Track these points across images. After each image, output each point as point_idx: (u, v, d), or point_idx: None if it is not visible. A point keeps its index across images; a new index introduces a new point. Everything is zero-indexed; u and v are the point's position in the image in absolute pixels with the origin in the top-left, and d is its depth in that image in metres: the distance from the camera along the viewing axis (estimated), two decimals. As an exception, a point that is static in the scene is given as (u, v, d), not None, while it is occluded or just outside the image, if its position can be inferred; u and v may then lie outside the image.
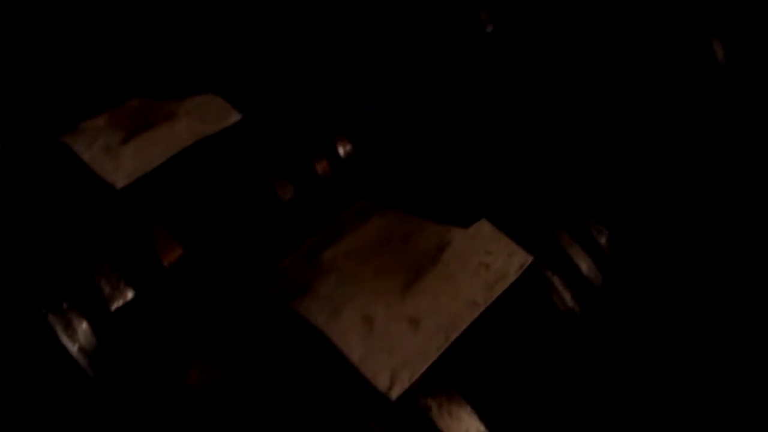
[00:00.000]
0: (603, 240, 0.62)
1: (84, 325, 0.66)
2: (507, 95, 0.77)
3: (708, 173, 0.69)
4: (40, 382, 0.69)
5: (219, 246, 0.73)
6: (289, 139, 0.86)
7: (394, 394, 0.44)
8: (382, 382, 0.45)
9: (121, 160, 0.71)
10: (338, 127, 0.90)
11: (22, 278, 0.68)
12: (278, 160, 0.83)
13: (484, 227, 0.55)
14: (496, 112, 0.72)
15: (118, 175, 0.70)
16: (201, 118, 0.77)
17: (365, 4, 0.86)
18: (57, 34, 0.86)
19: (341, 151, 0.91)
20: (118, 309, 0.67)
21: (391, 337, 0.47)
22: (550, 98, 0.71)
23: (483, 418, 0.46)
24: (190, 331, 0.58)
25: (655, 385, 0.59)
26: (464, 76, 0.76)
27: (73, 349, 0.64)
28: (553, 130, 0.68)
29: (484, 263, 0.52)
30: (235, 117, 0.79)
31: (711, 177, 0.68)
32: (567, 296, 0.55)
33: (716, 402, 0.58)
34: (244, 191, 0.78)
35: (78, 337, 0.65)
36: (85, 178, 0.72)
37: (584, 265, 0.58)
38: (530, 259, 0.54)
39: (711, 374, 0.59)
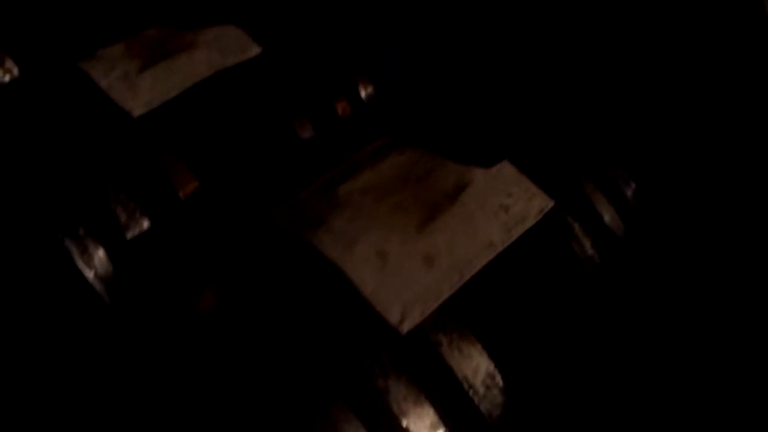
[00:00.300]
0: (629, 192, 0.60)
1: (100, 253, 0.66)
2: (534, 35, 0.74)
3: (748, 137, 0.66)
4: (55, 307, 0.70)
5: (235, 181, 0.72)
6: (311, 77, 0.84)
7: (405, 328, 0.44)
8: (393, 316, 0.44)
9: (139, 89, 0.70)
10: (361, 69, 0.88)
11: (39, 204, 0.68)
12: (298, 98, 0.81)
13: (506, 169, 0.53)
14: (523, 53, 0.69)
15: (136, 104, 0.69)
16: (220, 50, 0.75)
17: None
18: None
19: (363, 93, 0.89)
20: (134, 238, 0.67)
21: (404, 272, 0.46)
22: (585, 39, 0.68)
23: (493, 357, 0.45)
24: (204, 259, 0.58)
25: (669, 343, 0.58)
26: (490, 14, 0.73)
27: (89, 275, 0.65)
28: (587, 74, 0.65)
29: (504, 205, 0.51)
30: (255, 50, 0.77)
31: (751, 141, 0.66)
32: (587, 244, 0.54)
33: (732, 362, 0.57)
34: (263, 127, 0.77)
35: (94, 263, 0.66)
36: (103, 106, 0.71)
37: (607, 215, 0.56)
38: (551, 203, 0.52)
39: (730, 339, 0.58)
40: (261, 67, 0.79)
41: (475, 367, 0.45)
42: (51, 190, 0.69)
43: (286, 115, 0.80)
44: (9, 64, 0.85)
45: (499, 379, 0.45)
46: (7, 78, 0.84)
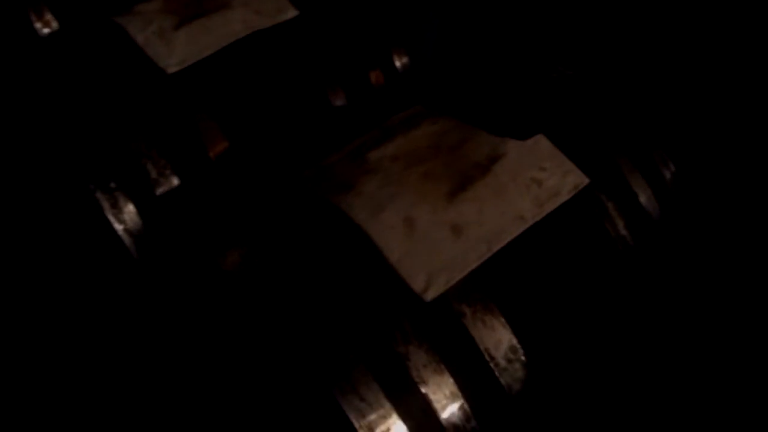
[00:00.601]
0: (668, 174, 0.58)
1: (130, 207, 0.67)
2: (573, 11, 0.72)
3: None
4: (84, 256, 0.71)
5: (265, 144, 0.72)
6: (346, 45, 0.83)
7: (429, 296, 0.43)
8: (417, 284, 0.44)
9: (174, 46, 0.70)
10: (397, 39, 0.86)
11: (73, 155, 0.69)
12: (332, 65, 0.80)
13: (541, 143, 0.52)
14: (565, 29, 0.66)
15: (170, 61, 0.69)
16: (256, 11, 0.74)
17: None
18: None
19: (398, 63, 0.87)
20: (163, 194, 0.68)
21: (431, 240, 0.46)
22: (632, 22, 0.65)
23: (516, 332, 0.44)
24: (232, 219, 0.58)
25: (693, 330, 0.56)
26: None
27: (118, 228, 0.66)
28: (632, 55, 0.63)
29: (537, 179, 0.50)
30: (291, 13, 0.76)
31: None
32: (620, 224, 0.52)
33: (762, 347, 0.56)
34: (295, 92, 0.77)
35: (124, 217, 0.66)
36: (138, 61, 0.71)
37: (643, 196, 0.55)
38: (586, 180, 0.51)
39: (761, 330, 0.57)
40: (297, 31, 0.78)
41: (498, 339, 0.44)
42: (85, 142, 0.70)
43: (319, 81, 0.79)
44: (48, 17, 0.85)
45: (521, 354, 0.44)
46: (46, 30, 0.85)
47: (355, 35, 0.84)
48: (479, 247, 0.46)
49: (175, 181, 0.68)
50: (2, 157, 0.81)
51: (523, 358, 0.44)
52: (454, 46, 0.75)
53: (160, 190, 0.68)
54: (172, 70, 0.69)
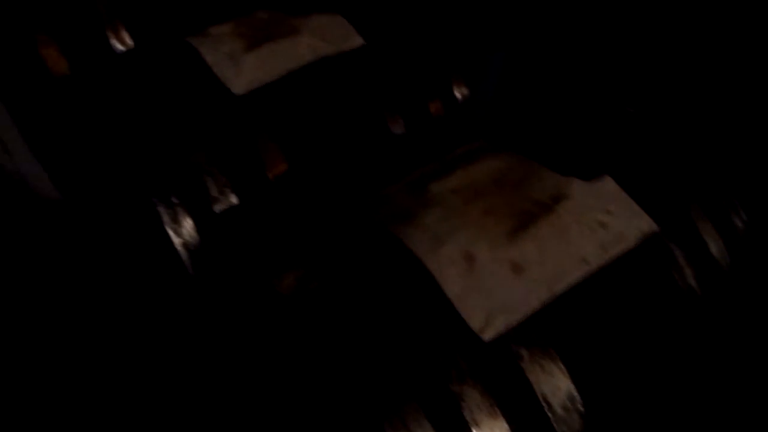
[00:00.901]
0: (740, 223, 0.55)
1: (189, 222, 0.68)
2: (645, 53, 0.70)
3: None
4: (141, 268, 0.73)
5: (324, 167, 0.73)
6: (407, 74, 0.83)
7: (488, 335, 0.42)
8: (476, 322, 0.43)
9: (243, 68, 0.72)
10: (458, 70, 0.87)
11: (139, 166, 0.71)
12: (393, 93, 0.81)
13: (607, 184, 0.51)
14: (636, 68, 0.65)
15: (238, 82, 0.71)
16: (323, 38, 0.76)
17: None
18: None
19: (458, 94, 0.87)
20: (222, 212, 0.69)
21: (491, 278, 0.45)
22: (705, 62, 0.63)
23: (576, 380, 0.43)
24: (289, 241, 0.58)
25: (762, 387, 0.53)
26: (603, 27, 0.69)
27: (177, 242, 0.67)
28: (704, 97, 0.61)
29: (602, 222, 0.48)
30: (357, 41, 0.77)
31: None
32: (689, 274, 0.50)
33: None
34: (356, 118, 0.77)
35: (182, 232, 0.68)
36: (207, 81, 0.74)
37: (714, 245, 0.52)
38: (654, 227, 0.49)
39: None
40: (360, 57, 0.79)
41: (556, 386, 0.42)
42: (151, 155, 0.72)
43: (379, 108, 0.79)
44: (124, 34, 0.90)
45: (579, 404, 0.43)
46: (122, 48, 0.89)
47: (417, 64, 0.85)
48: (540, 289, 0.44)
49: (234, 200, 0.70)
50: (75, 162, 0.84)
51: (581, 408, 0.43)
52: (517, 81, 0.75)
53: (218, 208, 0.69)
54: (239, 91, 0.71)
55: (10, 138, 1.13)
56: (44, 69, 0.88)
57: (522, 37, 0.77)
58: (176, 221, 0.68)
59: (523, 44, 0.76)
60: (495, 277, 0.45)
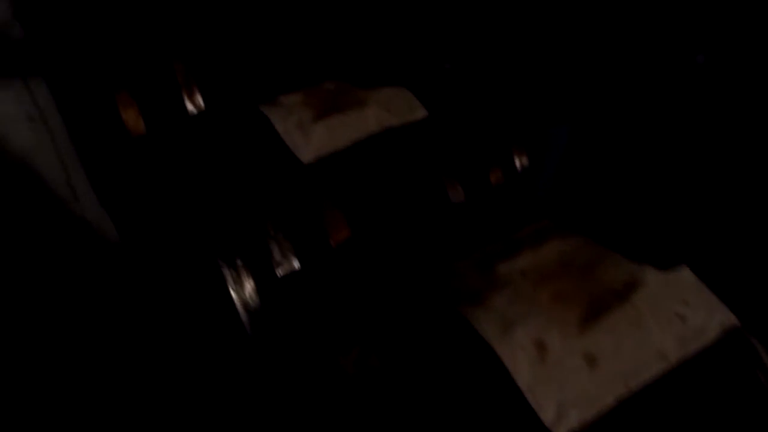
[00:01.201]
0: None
1: (251, 284, 0.70)
2: (720, 132, 0.69)
3: None
4: (202, 326, 0.74)
5: (386, 235, 0.74)
6: (469, 142, 0.85)
7: (559, 430, 0.41)
8: (547, 414, 0.41)
9: (311, 137, 0.75)
10: (518, 140, 0.88)
11: (207, 227, 0.74)
12: (454, 162, 0.82)
13: (684, 274, 0.49)
14: (709, 151, 0.64)
15: (307, 150, 0.74)
16: (389, 109, 0.78)
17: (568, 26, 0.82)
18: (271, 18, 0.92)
19: (518, 163, 0.88)
20: (284, 276, 0.70)
21: (563, 369, 0.43)
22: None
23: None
24: (350, 311, 0.58)
25: None
26: (675, 106, 0.69)
27: (238, 303, 0.69)
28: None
29: (680, 314, 0.47)
30: (421, 113, 0.79)
31: None
32: (771, 372, 0.47)
33: None
34: (417, 186, 0.79)
35: (244, 294, 0.69)
36: (275, 148, 0.77)
37: (796, 341, 0.50)
38: (735, 321, 0.47)
39: None
40: (424, 127, 0.81)
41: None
42: (219, 216, 0.74)
43: (439, 176, 0.80)
44: (198, 98, 0.94)
45: None
46: (194, 110, 0.93)
47: (477, 134, 0.86)
48: (616, 383, 0.43)
49: (296, 265, 0.71)
50: (142, 214, 0.88)
51: None
52: (584, 159, 0.75)
53: (281, 271, 0.71)
54: (307, 159, 0.73)
55: (80, 185, 1.19)
56: (122, 128, 0.93)
57: (589, 113, 0.78)
58: (239, 283, 0.70)
59: (589, 120, 0.77)
60: (568, 368, 0.44)
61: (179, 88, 0.94)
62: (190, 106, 0.94)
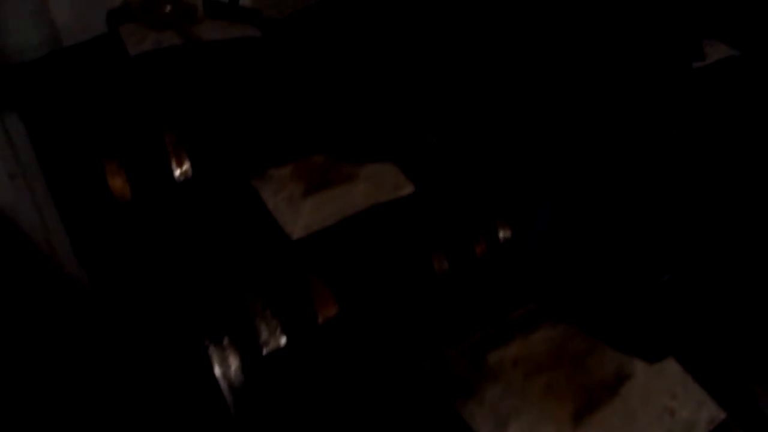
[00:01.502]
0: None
1: (237, 363, 0.69)
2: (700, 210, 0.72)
3: None
4: (186, 405, 0.72)
5: (373, 310, 0.74)
6: (454, 215, 0.86)
7: None
8: None
9: (300, 213, 0.75)
10: (502, 211, 0.89)
11: (193, 305, 0.73)
12: (440, 235, 0.83)
13: (671, 367, 0.50)
14: (691, 231, 0.66)
15: (296, 227, 0.74)
16: (377, 185, 0.80)
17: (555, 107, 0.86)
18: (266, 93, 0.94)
19: (501, 234, 0.89)
20: (270, 353, 0.69)
21: (557, 468, 0.43)
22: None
23: None
24: (339, 392, 0.58)
25: None
26: (655, 184, 0.72)
27: (223, 385, 0.67)
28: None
29: (669, 408, 0.48)
30: (408, 189, 0.81)
31: None
32: (759, 465, 0.48)
33: None
34: (404, 261, 0.79)
35: (230, 374, 0.68)
36: (264, 223, 0.77)
37: (782, 432, 0.51)
38: (723, 415, 0.48)
39: None
40: (411, 202, 0.82)
41: None
42: (205, 290, 0.74)
43: (425, 248, 0.81)
44: (186, 165, 0.95)
45: None
46: (181, 177, 0.93)
47: (463, 206, 0.88)
48: (609, 482, 0.43)
49: (283, 342, 0.70)
50: (121, 277, 0.86)
51: None
52: (568, 240, 0.76)
53: (267, 349, 0.70)
54: (296, 236, 0.74)
55: (60, 245, 1.17)
56: (108, 193, 0.93)
57: (572, 191, 0.80)
58: (224, 361, 0.69)
59: (572, 197, 0.79)
60: (561, 466, 0.44)
61: (168, 156, 0.95)
62: (178, 174, 0.94)
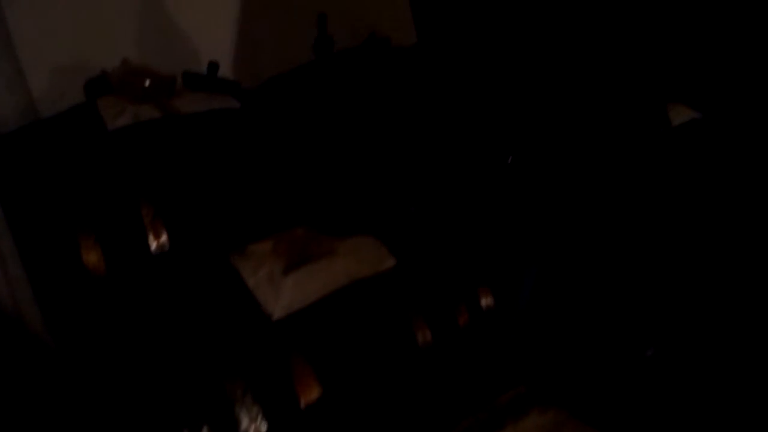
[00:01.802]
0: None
1: (216, 455, 0.66)
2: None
3: None
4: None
5: (357, 390, 0.72)
6: (435, 285, 0.85)
7: None
8: None
9: (282, 292, 0.74)
10: (484, 280, 0.89)
11: (169, 387, 0.70)
12: (421, 305, 0.82)
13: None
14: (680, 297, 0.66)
15: (277, 306, 0.73)
16: (358, 260, 0.79)
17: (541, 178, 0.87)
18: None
19: (483, 302, 0.89)
20: (251, 441, 0.67)
21: None
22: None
23: None
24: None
25: None
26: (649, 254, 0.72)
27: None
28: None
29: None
30: (390, 262, 0.80)
31: None
32: None
33: None
34: (386, 334, 0.78)
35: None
36: (244, 302, 0.75)
37: None
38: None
39: None
40: (393, 275, 0.81)
41: None
42: (183, 377, 0.71)
43: (408, 320, 0.80)
44: (164, 238, 0.93)
45: None
46: (158, 250, 0.91)
47: (444, 278, 0.87)
48: None
49: (264, 429, 0.68)
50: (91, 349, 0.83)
51: None
52: (554, 309, 0.76)
53: (248, 437, 0.67)
54: (277, 316, 0.72)
55: (30, 313, 1.13)
56: (82, 267, 0.90)
57: (558, 255, 0.80)
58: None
59: (558, 261, 0.79)
60: None
61: (145, 228, 0.93)
62: (155, 247, 0.92)
